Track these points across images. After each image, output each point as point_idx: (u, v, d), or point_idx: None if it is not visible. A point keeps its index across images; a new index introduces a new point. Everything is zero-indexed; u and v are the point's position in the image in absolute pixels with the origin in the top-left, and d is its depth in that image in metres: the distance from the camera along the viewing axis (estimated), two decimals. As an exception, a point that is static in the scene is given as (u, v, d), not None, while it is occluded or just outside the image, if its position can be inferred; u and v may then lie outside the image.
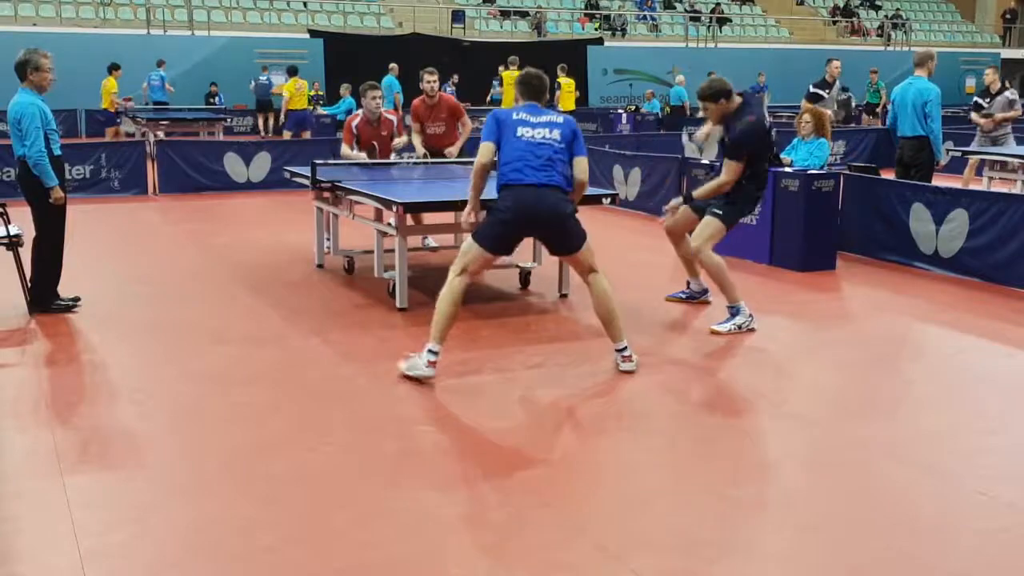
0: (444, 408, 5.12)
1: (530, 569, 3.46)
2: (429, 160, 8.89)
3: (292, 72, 19.49)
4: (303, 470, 4.30)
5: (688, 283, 7.39)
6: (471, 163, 5.70)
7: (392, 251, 7.07)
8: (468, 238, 5.59)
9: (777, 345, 6.36)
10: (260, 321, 6.82)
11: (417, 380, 5.37)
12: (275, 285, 7.89)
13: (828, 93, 12.84)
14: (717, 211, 6.58)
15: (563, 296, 7.48)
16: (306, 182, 8.05)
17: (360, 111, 8.96)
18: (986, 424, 5.01)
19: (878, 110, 21.85)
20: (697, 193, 6.70)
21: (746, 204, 6.67)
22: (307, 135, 18.42)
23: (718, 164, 7.15)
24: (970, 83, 33.22)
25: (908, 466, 4.42)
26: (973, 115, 12.86)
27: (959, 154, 11.66)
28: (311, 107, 20.15)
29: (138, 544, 3.64)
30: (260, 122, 22.51)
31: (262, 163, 13.89)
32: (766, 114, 6.65)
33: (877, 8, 37.72)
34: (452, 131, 9.08)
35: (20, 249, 6.85)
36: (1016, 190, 10.76)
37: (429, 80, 8.99)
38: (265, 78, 22.60)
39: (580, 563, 3.50)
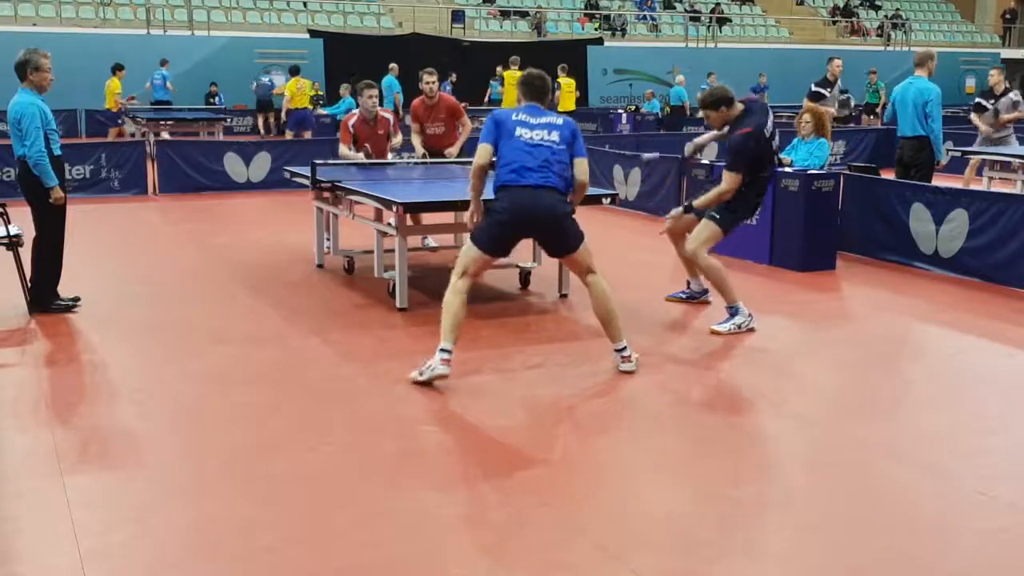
0: (444, 408, 5.12)
1: (530, 569, 3.46)
2: (428, 160, 8.90)
3: (294, 72, 19.49)
4: (303, 470, 4.30)
5: (688, 283, 7.40)
6: (471, 163, 5.70)
7: (392, 251, 7.07)
8: (467, 241, 5.60)
9: (777, 345, 6.36)
10: (260, 321, 6.82)
11: (425, 383, 5.36)
12: (275, 285, 7.89)
13: (830, 92, 12.82)
14: (715, 215, 6.57)
15: (563, 296, 7.49)
16: (306, 182, 8.06)
17: (357, 110, 8.98)
18: (986, 424, 5.01)
19: (878, 110, 21.84)
20: (697, 203, 6.70)
21: (745, 210, 6.65)
22: (308, 135, 18.41)
23: (718, 165, 7.15)
24: (970, 83, 33.21)
25: (908, 466, 4.42)
26: (973, 116, 12.79)
27: (959, 154, 11.65)
28: (312, 107, 20.13)
29: (138, 544, 3.64)
30: (260, 122, 22.51)
31: (262, 163, 13.89)
32: (768, 119, 6.57)
33: (877, 8, 37.72)
34: (452, 131, 9.09)
35: (20, 249, 6.85)
36: (1016, 190, 10.76)
37: (428, 81, 9.00)
38: (267, 79, 22.59)
39: (580, 563, 3.50)
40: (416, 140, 9.05)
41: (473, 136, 9.31)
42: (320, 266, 8.56)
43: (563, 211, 5.48)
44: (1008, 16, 38.29)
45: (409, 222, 7.47)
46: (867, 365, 6.04)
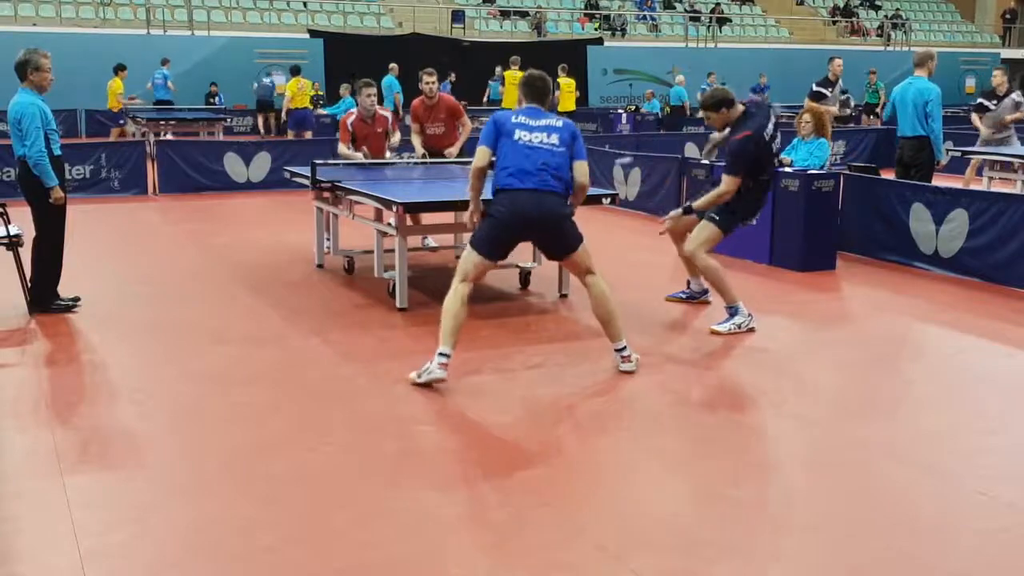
0: (444, 408, 5.12)
1: (530, 569, 3.46)
2: (428, 160, 8.90)
3: (295, 72, 19.50)
4: (303, 470, 4.30)
5: (688, 282, 7.40)
6: (471, 163, 5.71)
7: (392, 251, 7.07)
8: (467, 246, 5.60)
9: (777, 345, 6.36)
10: (260, 321, 6.82)
11: (426, 385, 5.36)
12: (275, 285, 7.89)
13: (831, 92, 12.81)
14: (714, 216, 6.56)
15: (563, 296, 7.49)
16: (306, 182, 8.06)
17: (355, 109, 8.99)
18: (986, 424, 5.01)
19: (877, 110, 21.84)
20: (697, 204, 6.68)
21: (745, 212, 6.63)
22: (308, 135, 18.42)
23: (719, 166, 7.14)
24: (970, 83, 33.22)
25: (908, 466, 4.42)
26: (974, 116, 12.75)
27: (959, 154, 11.65)
28: (312, 107, 20.14)
29: (138, 544, 3.64)
30: (260, 122, 22.51)
31: (262, 163, 13.89)
32: (770, 122, 6.53)
33: (877, 8, 37.72)
34: (452, 131, 9.09)
35: (20, 249, 6.86)
36: (1016, 190, 10.76)
37: (428, 81, 9.00)
38: (268, 80, 22.58)
39: (580, 563, 3.50)
40: (416, 140, 9.05)
41: (473, 136, 9.33)
42: (320, 266, 8.56)
43: (563, 213, 5.48)
44: (1008, 16, 38.29)
45: (409, 222, 7.47)
46: (867, 365, 6.04)
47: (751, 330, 6.53)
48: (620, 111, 23.76)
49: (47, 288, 6.91)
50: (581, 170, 5.54)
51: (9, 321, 6.70)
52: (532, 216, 5.41)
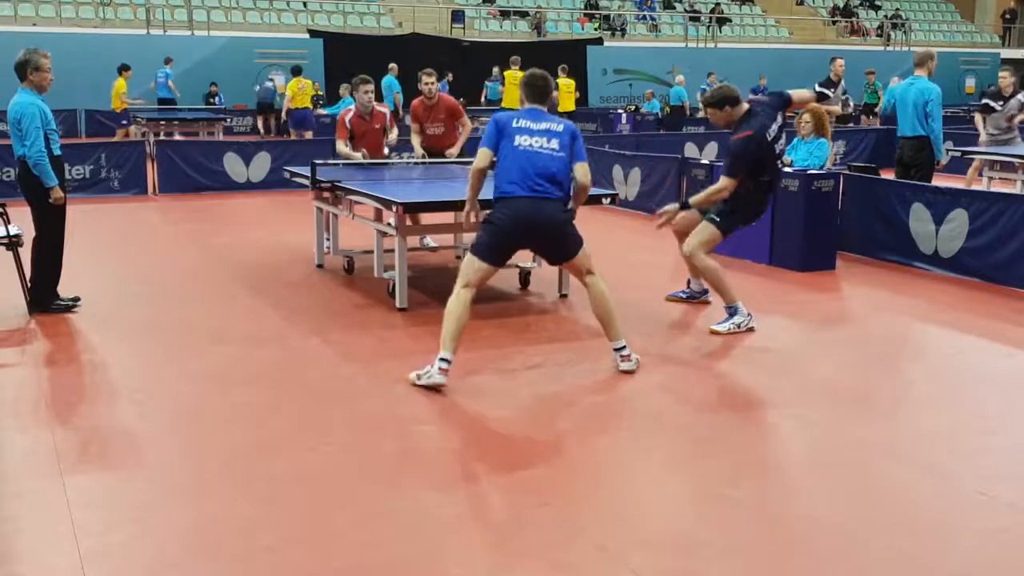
0: (444, 408, 5.12)
1: (530, 569, 3.46)
2: (428, 160, 8.90)
3: (296, 72, 19.49)
4: (303, 470, 4.30)
5: (688, 282, 7.40)
6: (471, 163, 5.70)
7: (392, 251, 7.07)
8: (468, 252, 5.61)
9: (777, 345, 6.36)
10: (260, 321, 6.82)
11: (428, 388, 5.36)
12: (275, 285, 7.89)
13: (833, 92, 12.79)
14: (715, 217, 6.54)
15: (563, 296, 7.49)
16: (306, 182, 8.06)
17: (353, 106, 8.99)
18: (986, 424, 5.01)
19: (876, 110, 21.84)
20: (693, 200, 6.67)
21: (747, 214, 6.60)
22: (309, 135, 18.42)
23: (718, 166, 7.14)
24: (970, 83, 33.22)
25: (908, 466, 4.42)
26: (977, 116, 12.67)
27: (959, 154, 11.63)
28: (312, 107, 20.13)
29: (138, 544, 3.64)
30: (260, 123, 22.50)
31: (262, 163, 13.89)
32: (773, 123, 6.45)
33: (877, 8, 37.72)
34: (451, 131, 9.09)
35: (20, 249, 6.86)
36: (1016, 190, 10.75)
37: (427, 82, 9.00)
38: (270, 84, 22.55)
39: (580, 563, 3.50)
40: (415, 140, 9.05)
41: (473, 136, 9.34)
42: (320, 266, 8.56)
43: (563, 219, 5.49)
44: (1008, 16, 38.30)
45: (408, 222, 7.47)
46: (867, 365, 6.04)
47: (751, 330, 6.53)
48: (620, 111, 23.77)
49: (47, 288, 6.91)
50: (582, 171, 5.54)
51: (9, 321, 6.70)
52: (532, 224, 5.42)
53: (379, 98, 10.25)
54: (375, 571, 3.47)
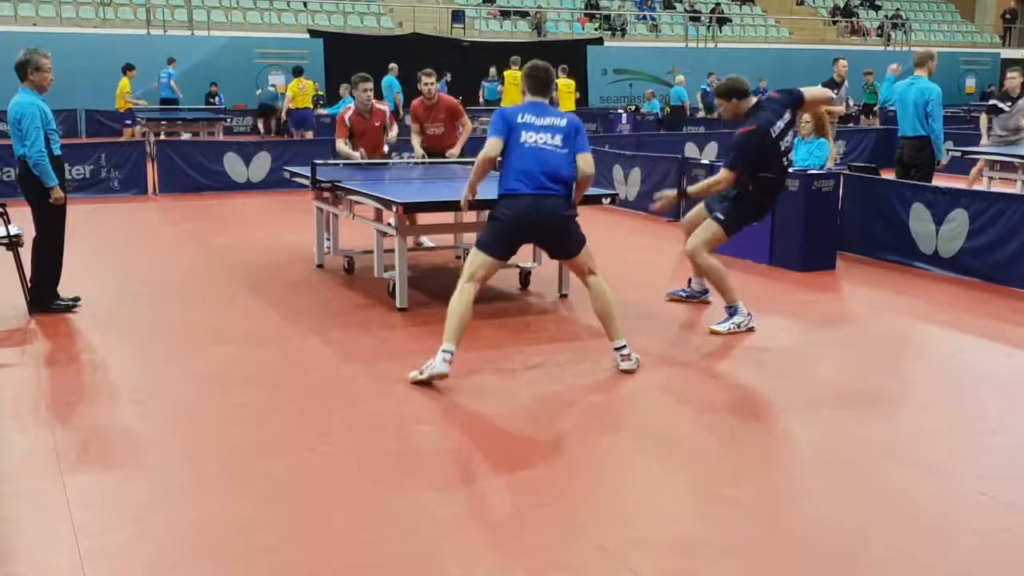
0: (444, 408, 5.12)
1: (530, 569, 3.46)
2: (428, 160, 8.90)
3: (297, 72, 19.49)
4: (303, 470, 4.30)
5: (689, 281, 7.40)
6: (471, 163, 5.70)
7: (392, 251, 7.08)
8: (472, 247, 5.61)
9: (777, 345, 6.36)
10: (260, 321, 6.82)
11: (425, 382, 5.36)
12: (275, 285, 7.89)
13: (837, 93, 12.77)
14: (720, 216, 6.54)
15: (563, 296, 7.49)
16: (306, 182, 8.06)
17: (352, 104, 9.00)
18: (986, 424, 5.01)
19: (876, 109, 21.85)
20: (691, 189, 6.69)
21: (751, 213, 6.58)
22: (309, 135, 18.42)
23: (718, 165, 7.14)
24: (970, 83, 33.20)
25: (908, 466, 4.42)
26: (983, 117, 12.59)
27: (959, 154, 11.63)
28: (312, 107, 20.14)
29: (138, 544, 3.64)
30: (260, 124, 22.50)
31: (262, 163, 13.90)
32: (780, 119, 6.41)
33: (877, 8, 37.72)
34: (451, 132, 9.09)
35: (20, 249, 6.86)
36: (1016, 190, 10.75)
37: (427, 82, 9.00)
38: (272, 88, 22.54)
39: (580, 563, 3.50)
40: (415, 140, 9.05)
41: (473, 137, 9.35)
42: (320, 266, 8.56)
43: (567, 215, 5.51)
44: (1008, 16, 38.30)
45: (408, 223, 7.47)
46: (867, 365, 6.04)
47: (751, 330, 6.53)
48: (620, 111, 23.78)
49: (47, 288, 6.91)
50: (585, 160, 5.52)
51: (9, 321, 6.70)
52: (538, 219, 5.44)
53: (379, 98, 10.24)
54: (375, 571, 3.47)
